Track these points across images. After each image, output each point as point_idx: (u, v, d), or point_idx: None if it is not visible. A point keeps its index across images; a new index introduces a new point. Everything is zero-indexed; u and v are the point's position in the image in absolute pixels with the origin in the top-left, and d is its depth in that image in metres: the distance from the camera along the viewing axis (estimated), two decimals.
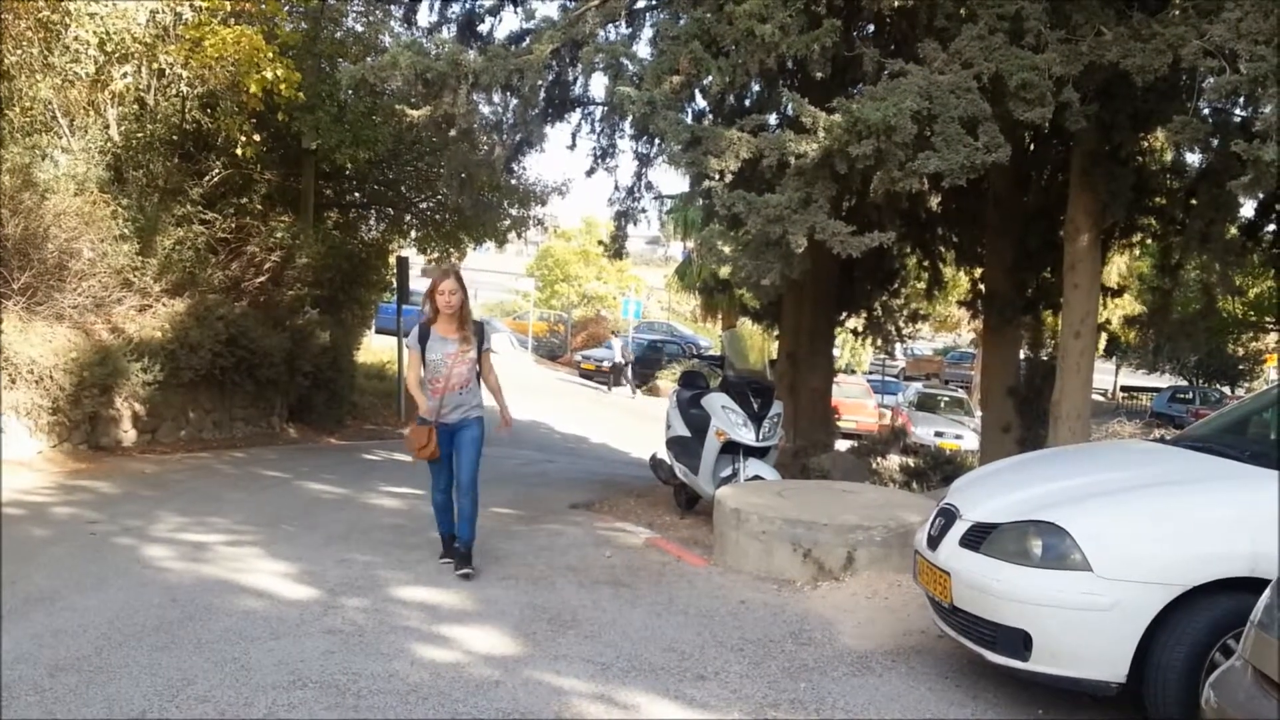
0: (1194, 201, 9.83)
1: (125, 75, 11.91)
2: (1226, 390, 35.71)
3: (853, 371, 37.05)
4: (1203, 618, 4.18)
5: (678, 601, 6.31)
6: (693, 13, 8.63)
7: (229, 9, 12.05)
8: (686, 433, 9.56)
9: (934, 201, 12.62)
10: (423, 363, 6.63)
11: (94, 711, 4.23)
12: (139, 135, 12.74)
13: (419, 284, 28.57)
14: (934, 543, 5.03)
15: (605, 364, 33.08)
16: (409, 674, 4.78)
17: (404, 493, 10.19)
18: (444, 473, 6.88)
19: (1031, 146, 11.29)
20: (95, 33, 10.97)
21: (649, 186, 12.83)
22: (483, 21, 12.57)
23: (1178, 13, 7.50)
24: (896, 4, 8.41)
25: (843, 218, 7.86)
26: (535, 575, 6.80)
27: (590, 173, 12.93)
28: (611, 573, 6.98)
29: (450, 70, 9.02)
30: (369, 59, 10.95)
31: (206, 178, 13.43)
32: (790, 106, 7.96)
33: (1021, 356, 12.63)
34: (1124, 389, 40.56)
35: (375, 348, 23.47)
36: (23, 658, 4.74)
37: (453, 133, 10.37)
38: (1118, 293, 13.96)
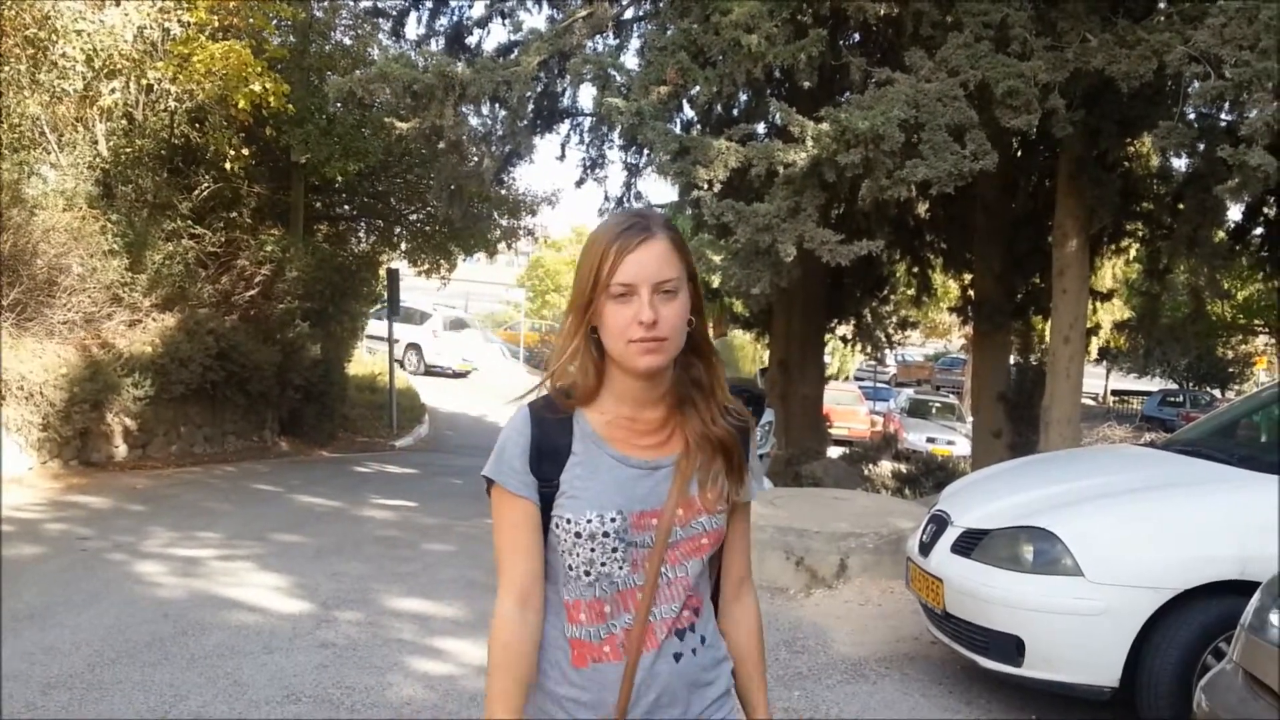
0: (1181, 206, 9.88)
1: (113, 91, 11.89)
2: (1217, 393, 35.81)
3: (833, 378, 36.94)
4: (1194, 621, 4.20)
5: None
6: (679, 23, 8.66)
7: (217, 24, 12.06)
8: None
9: (922, 209, 12.66)
10: (544, 542, 1.80)
11: None
12: (127, 150, 12.73)
13: (413, 299, 28.24)
14: (926, 549, 5.05)
15: None
16: (403, 687, 4.78)
17: (396, 505, 10.18)
18: None
19: (1019, 153, 11.34)
20: (83, 49, 10.95)
21: (638, 196, 12.89)
22: (471, 33, 12.64)
23: (1162, 19, 7.56)
24: (882, 13, 8.46)
25: (831, 226, 7.89)
26: None
27: (580, 183, 12.97)
28: None
29: (438, 82, 9.04)
30: (357, 72, 10.94)
31: (196, 192, 13.41)
32: (778, 116, 8.00)
33: (1012, 362, 12.67)
34: (1114, 393, 40.63)
35: (366, 359, 23.45)
36: (15, 675, 4.73)
37: (442, 144, 10.39)
38: (1107, 297, 14.02)
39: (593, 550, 1.73)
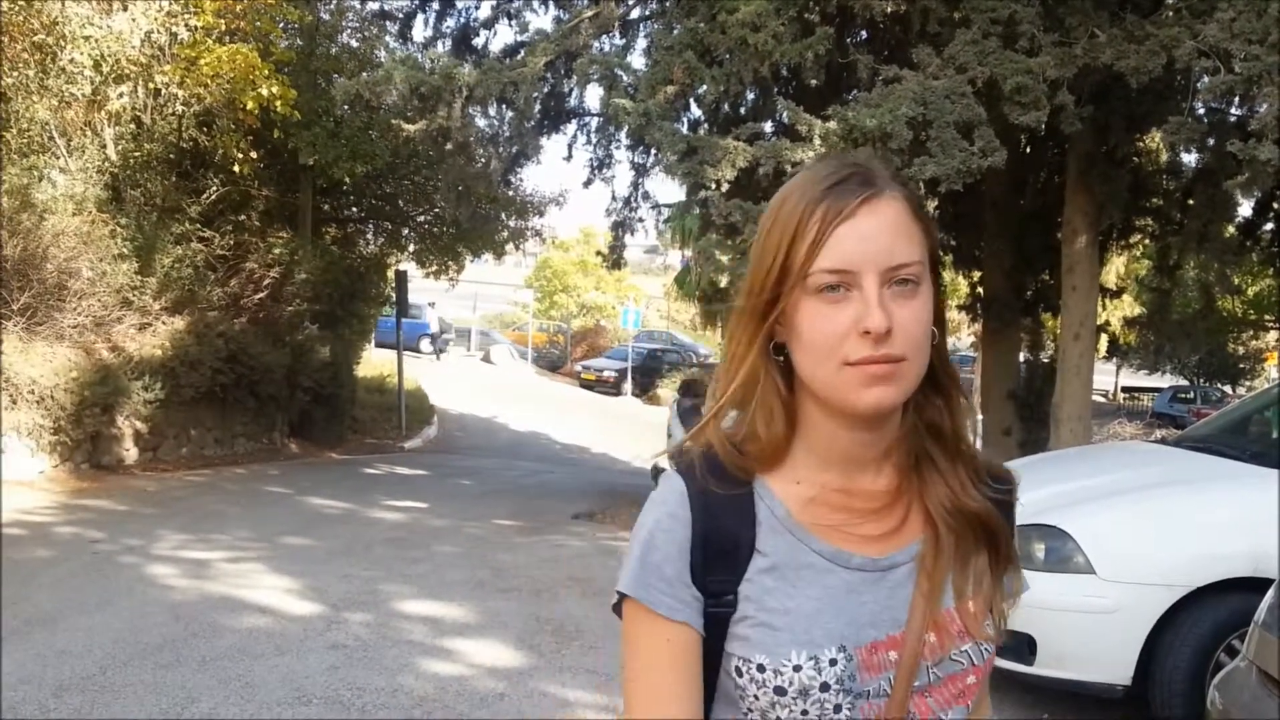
0: (1191, 202, 9.86)
1: (121, 95, 11.93)
2: (1228, 389, 35.70)
3: None
4: (1207, 619, 4.18)
5: None
6: (686, 22, 8.66)
7: (224, 28, 12.09)
8: None
9: (931, 206, 12.62)
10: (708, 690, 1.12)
11: None
12: (136, 154, 12.76)
13: (421, 295, 28.57)
14: None
15: (607, 374, 33.08)
16: (414, 688, 4.78)
17: (406, 506, 10.18)
18: None
19: (1027, 149, 11.31)
20: (90, 54, 10.99)
21: (646, 196, 12.88)
22: (477, 35, 12.64)
23: (1171, 14, 7.53)
24: (889, 10, 8.44)
25: None
26: (538, 587, 6.79)
27: (587, 184, 12.97)
28: (614, 583, 6.96)
29: (445, 84, 9.05)
30: (364, 74, 10.95)
31: (204, 195, 13.45)
32: (786, 114, 7.99)
33: (1021, 359, 12.63)
34: (1125, 390, 40.51)
35: (375, 361, 23.50)
36: (27, 678, 4.73)
37: (449, 146, 10.41)
38: (1116, 294, 13.98)
39: (804, 713, 1.07)
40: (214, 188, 13.58)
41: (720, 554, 1.09)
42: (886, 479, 1.14)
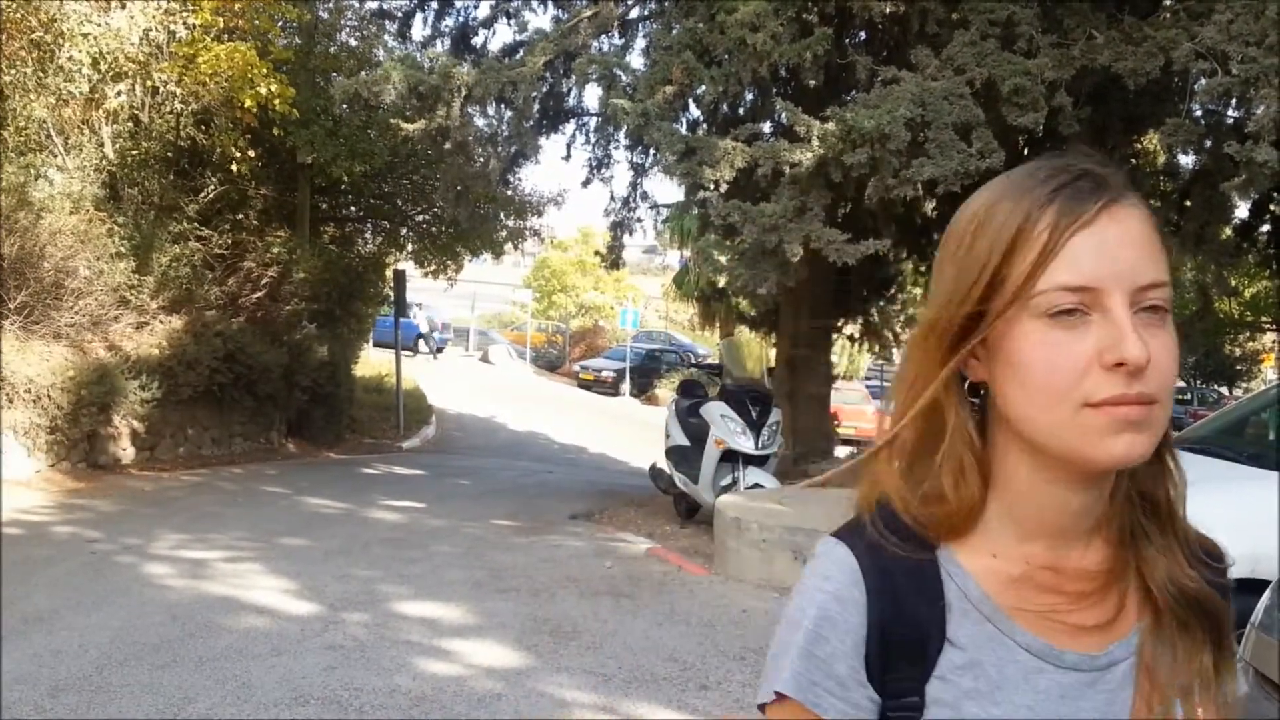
0: (1188, 203, 9.86)
1: (119, 93, 11.92)
2: (1225, 391, 35.76)
3: (844, 378, 36.87)
4: None
5: (679, 611, 6.31)
6: (685, 23, 8.67)
7: (222, 26, 12.09)
8: (685, 441, 9.57)
9: (929, 207, 12.62)
10: None
11: None
12: (134, 153, 12.76)
13: (415, 296, 28.64)
14: None
15: (605, 374, 33.09)
16: (411, 688, 4.78)
17: (404, 506, 10.17)
18: None
19: (1025, 151, 11.29)
20: (88, 52, 10.98)
21: (644, 196, 12.87)
22: (476, 34, 12.64)
23: (1168, 15, 7.55)
24: (888, 11, 8.45)
25: (838, 225, 7.90)
26: (536, 587, 6.79)
27: (586, 183, 12.97)
28: (612, 583, 6.97)
29: (443, 83, 9.06)
30: (363, 73, 10.95)
31: (202, 194, 13.44)
32: (784, 115, 7.99)
33: None
34: None
35: (373, 361, 23.50)
36: (23, 678, 4.73)
37: (448, 145, 10.40)
38: None
39: None
40: (212, 186, 13.57)
41: (903, 645, 0.89)
42: (1097, 554, 0.94)
